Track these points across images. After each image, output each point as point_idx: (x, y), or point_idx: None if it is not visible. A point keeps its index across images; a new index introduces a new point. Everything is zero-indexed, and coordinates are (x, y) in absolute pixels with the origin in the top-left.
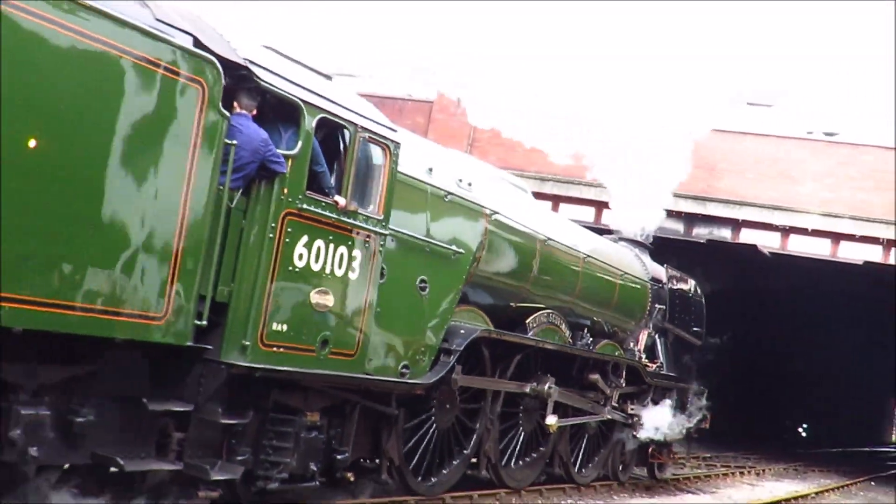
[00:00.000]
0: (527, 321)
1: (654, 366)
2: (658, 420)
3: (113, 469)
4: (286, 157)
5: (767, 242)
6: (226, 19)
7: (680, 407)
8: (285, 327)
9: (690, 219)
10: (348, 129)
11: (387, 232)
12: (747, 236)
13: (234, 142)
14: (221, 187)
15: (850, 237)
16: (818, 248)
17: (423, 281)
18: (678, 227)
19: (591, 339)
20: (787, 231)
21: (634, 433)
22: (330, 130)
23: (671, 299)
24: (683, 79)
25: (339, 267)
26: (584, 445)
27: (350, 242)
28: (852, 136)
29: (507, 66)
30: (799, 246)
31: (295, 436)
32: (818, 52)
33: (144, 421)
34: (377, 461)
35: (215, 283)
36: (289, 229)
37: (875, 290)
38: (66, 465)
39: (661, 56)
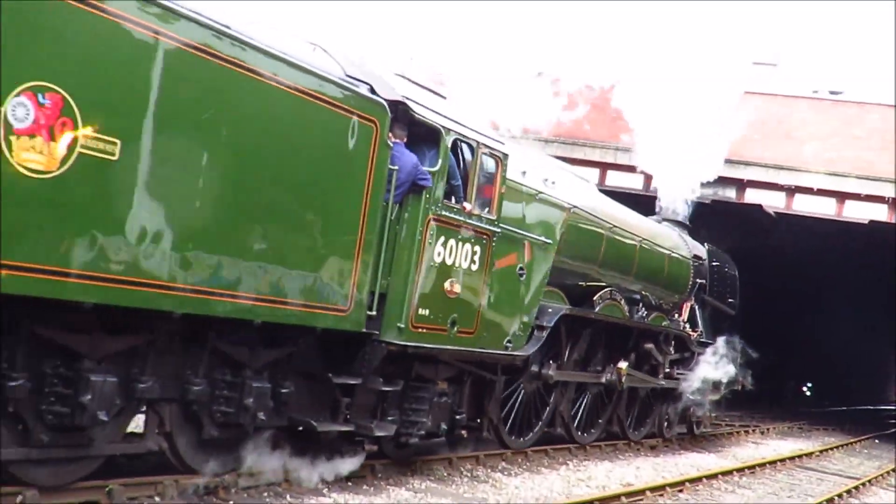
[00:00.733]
0: (594, 298)
1: (696, 334)
2: (699, 383)
3: (300, 428)
4: (430, 172)
5: (772, 202)
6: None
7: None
8: (427, 311)
9: None
10: (472, 145)
11: (499, 230)
12: (752, 196)
13: (396, 167)
14: (385, 203)
15: (856, 196)
16: (823, 208)
17: (521, 269)
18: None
19: (644, 312)
20: (792, 191)
21: (680, 395)
22: (458, 146)
23: (710, 274)
24: (713, 43)
25: (465, 260)
26: (636, 407)
27: (472, 240)
28: (857, 95)
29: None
30: (804, 206)
31: (429, 401)
32: (822, 10)
33: (322, 392)
34: (479, 421)
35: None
36: (431, 231)
37: (880, 249)
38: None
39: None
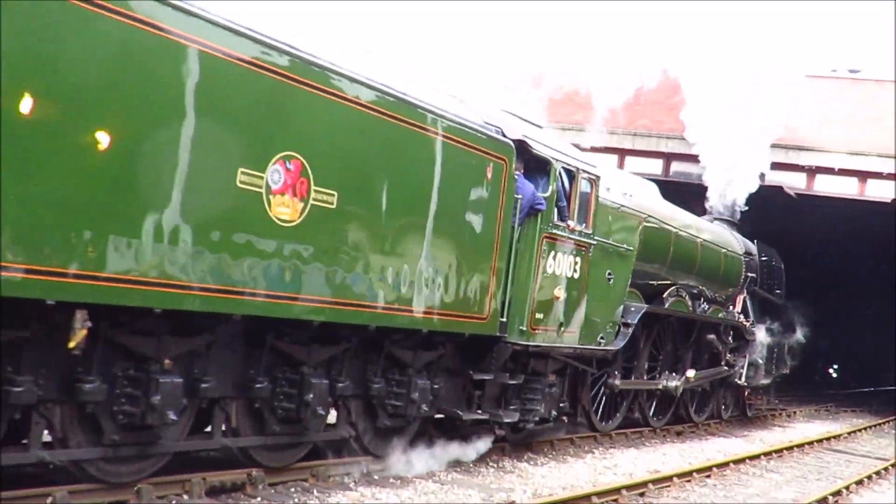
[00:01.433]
0: (664, 295)
1: (749, 324)
2: (753, 369)
3: (439, 416)
4: (543, 197)
5: (793, 183)
6: None
7: (767, 357)
8: (542, 315)
9: None
10: (573, 171)
11: (594, 242)
12: (773, 177)
13: (520, 196)
14: (511, 226)
15: (878, 175)
16: (845, 188)
17: (609, 274)
18: (702, 169)
19: (705, 305)
20: (812, 171)
21: (737, 381)
22: (562, 172)
23: (760, 268)
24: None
25: (568, 269)
26: (699, 393)
27: (574, 252)
28: (876, 73)
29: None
30: (825, 186)
31: (542, 391)
32: None
33: (459, 386)
34: (573, 408)
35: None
36: (543, 247)
37: None
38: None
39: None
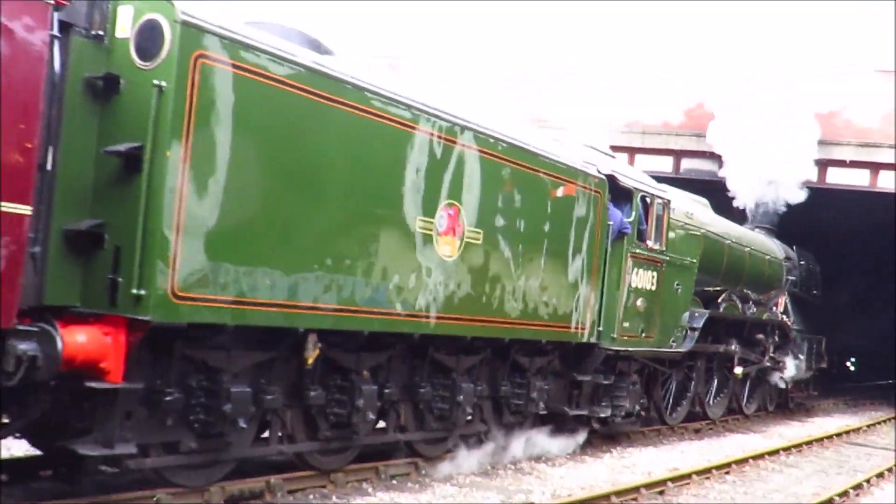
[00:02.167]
0: (718, 300)
1: (790, 323)
2: (795, 364)
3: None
4: (628, 222)
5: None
6: None
7: (807, 353)
8: (628, 323)
9: None
10: (649, 198)
11: (667, 258)
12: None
13: (611, 222)
14: (604, 248)
15: (890, 166)
16: (857, 180)
17: (677, 284)
18: (713, 165)
19: (753, 307)
20: (824, 164)
21: (781, 375)
22: (642, 199)
23: (799, 271)
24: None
25: (647, 283)
26: (748, 387)
27: (652, 267)
28: (881, 63)
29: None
30: (837, 178)
31: (627, 389)
32: None
33: (562, 386)
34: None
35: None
36: (629, 264)
37: None
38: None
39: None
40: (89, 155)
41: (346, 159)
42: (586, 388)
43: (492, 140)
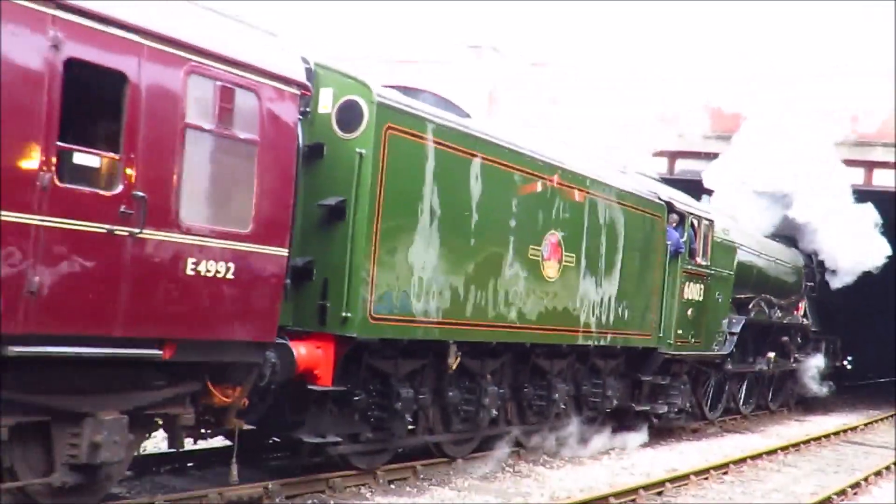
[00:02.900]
0: (749, 307)
1: (810, 325)
2: (815, 363)
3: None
4: (682, 242)
5: None
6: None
7: (825, 352)
8: (681, 330)
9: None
10: (697, 220)
11: (712, 271)
12: None
13: (669, 242)
14: (663, 265)
15: (884, 164)
16: (852, 178)
17: (719, 294)
18: (705, 165)
19: (779, 312)
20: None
21: (802, 374)
22: (692, 221)
23: (815, 277)
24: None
25: (696, 294)
26: (774, 383)
27: (699, 280)
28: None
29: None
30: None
31: (679, 388)
32: None
33: (626, 386)
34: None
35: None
36: (683, 279)
37: None
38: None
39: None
40: (300, 206)
41: (479, 200)
42: (646, 388)
43: (580, 177)
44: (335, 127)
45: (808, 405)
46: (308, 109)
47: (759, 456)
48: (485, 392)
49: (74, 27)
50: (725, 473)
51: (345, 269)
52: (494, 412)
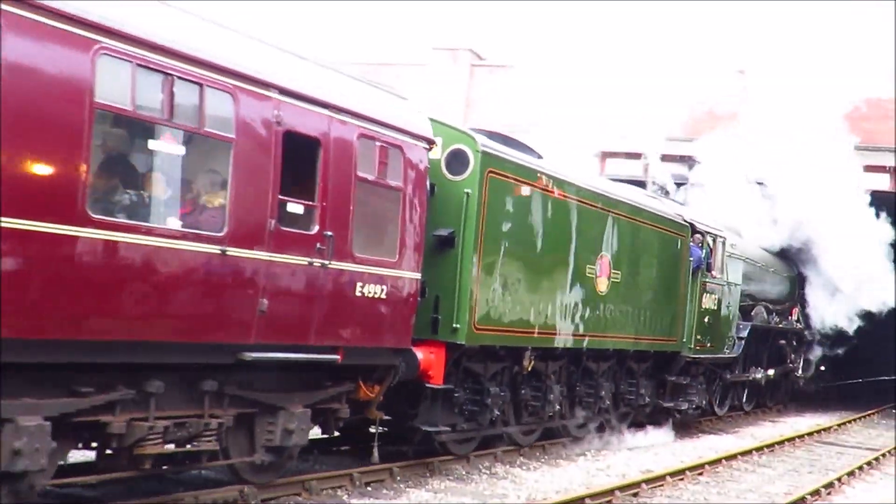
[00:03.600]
0: (752, 313)
1: (803, 329)
2: (808, 364)
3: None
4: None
5: None
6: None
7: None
8: (699, 336)
9: None
10: (712, 237)
11: (724, 283)
12: None
13: (691, 258)
14: (686, 279)
15: (882, 169)
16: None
17: (729, 303)
18: (683, 169)
19: (776, 318)
20: None
21: (797, 375)
22: (709, 238)
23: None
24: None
25: (711, 303)
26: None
27: (715, 291)
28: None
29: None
30: None
31: (696, 387)
32: None
33: (653, 386)
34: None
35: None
36: (700, 291)
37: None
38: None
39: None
40: None
41: (549, 228)
42: (670, 387)
43: (622, 203)
44: (444, 170)
45: (802, 402)
46: None
47: (733, 457)
48: (550, 390)
49: (289, 107)
50: (701, 474)
51: (455, 288)
52: (557, 406)
